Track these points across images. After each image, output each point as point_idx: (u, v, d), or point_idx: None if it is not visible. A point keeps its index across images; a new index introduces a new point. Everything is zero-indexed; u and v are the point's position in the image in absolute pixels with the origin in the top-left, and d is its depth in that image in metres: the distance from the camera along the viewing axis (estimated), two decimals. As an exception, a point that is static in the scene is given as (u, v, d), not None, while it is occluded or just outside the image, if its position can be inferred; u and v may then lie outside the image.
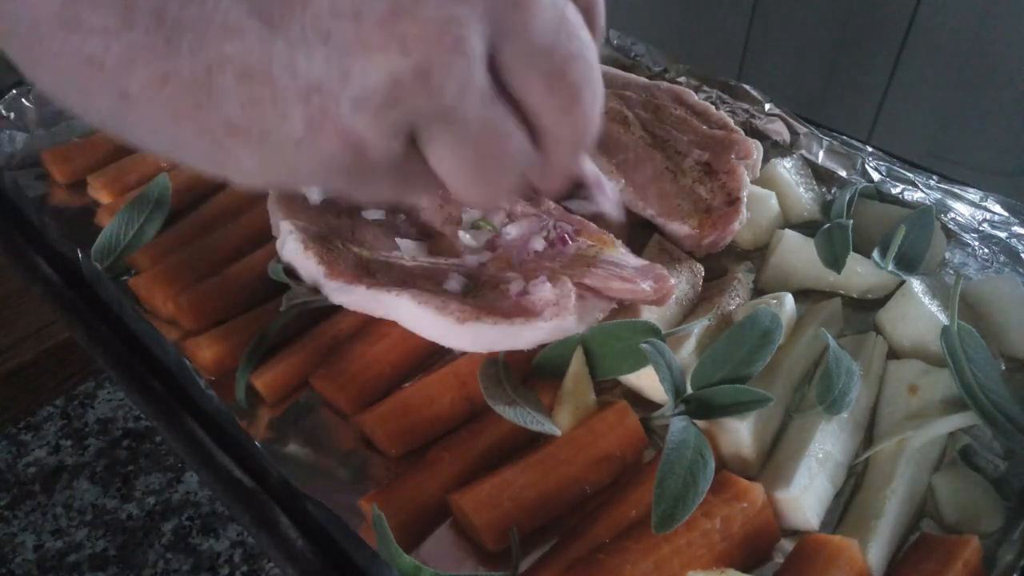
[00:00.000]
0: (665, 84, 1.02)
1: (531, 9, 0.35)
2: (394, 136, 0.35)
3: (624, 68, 1.07)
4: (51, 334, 1.13)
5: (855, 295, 0.86)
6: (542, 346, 0.71)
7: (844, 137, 1.01)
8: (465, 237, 0.78)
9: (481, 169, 0.39)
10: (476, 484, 0.64)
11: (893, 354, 0.79)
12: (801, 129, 1.03)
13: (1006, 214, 0.90)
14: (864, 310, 0.84)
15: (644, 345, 0.67)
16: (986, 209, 0.91)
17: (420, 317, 0.70)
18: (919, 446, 0.69)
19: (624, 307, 0.75)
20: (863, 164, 0.98)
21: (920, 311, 0.78)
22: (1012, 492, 0.68)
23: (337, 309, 0.76)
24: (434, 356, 0.77)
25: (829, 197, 0.97)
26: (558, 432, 0.67)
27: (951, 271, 0.89)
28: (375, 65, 0.32)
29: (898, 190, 0.96)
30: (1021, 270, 0.88)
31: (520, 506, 0.63)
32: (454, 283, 0.74)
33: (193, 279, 0.82)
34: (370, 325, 0.76)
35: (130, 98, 0.33)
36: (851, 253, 0.83)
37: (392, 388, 0.74)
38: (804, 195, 0.94)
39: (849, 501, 0.68)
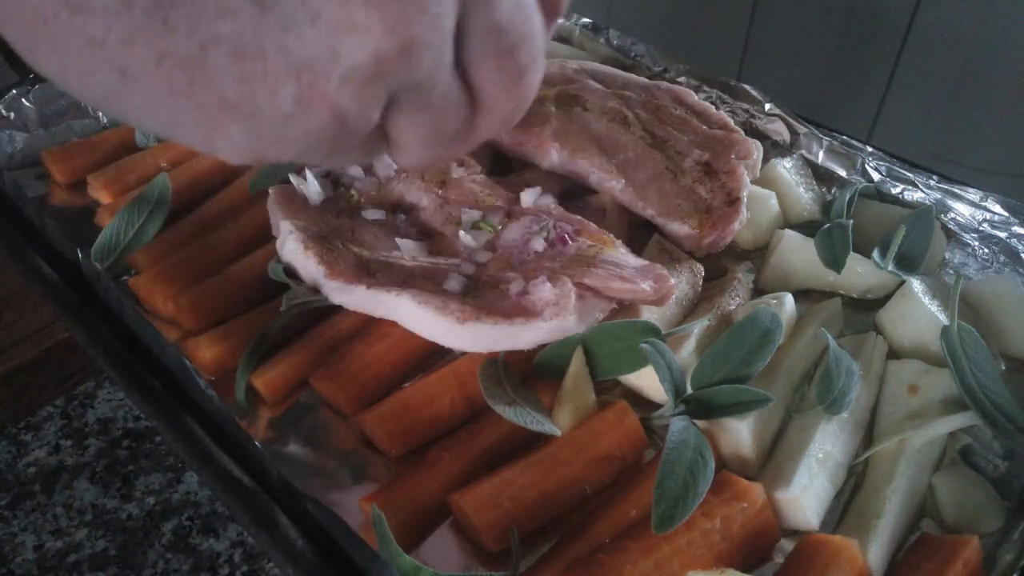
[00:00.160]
0: (665, 84, 1.02)
1: None
2: (375, 108, 0.38)
3: (624, 68, 1.07)
4: (51, 334, 1.13)
5: (855, 295, 0.86)
6: (542, 346, 0.71)
7: (844, 137, 1.01)
8: (465, 237, 0.78)
9: (431, 135, 0.42)
10: (476, 484, 0.64)
11: (893, 354, 0.79)
12: (801, 129, 1.03)
13: (1006, 214, 0.90)
14: (864, 310, 0.84)
15: (644, 345, 0.67)
16: (986, 209, 0.91)
17: (420, 317, 0.70)
18: (919, 446, 0.69)
19: (624, 307, 0.75)
20: (863, 164, 0.98)
21: (920, 311, 0.78)
22: (1012, 492, 0.68)
23: (337, 309, 0.76)
24: (434, 356, 0.77)
25: (829, 197, 0.97)
26: (558, 432, 0.67)
27: (951, 271, 0.89)
28: (361, 43, 0.35)
29: (898, 190, 0.96)
30: (1021, 270, 0.88)
31: (520, 506, 0.63)
32: (454, 283, 0.74)
33: (193, 279, 0.82)
34: (370, 325, 0.76)
35: (128, 76, 0.35)
36: (851, 253, 0.83)
37: (392, 388, 0.74)
38: (804, 195, 0.94)
39: (849, 501, 0.68)
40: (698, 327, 0.75)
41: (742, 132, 0.95)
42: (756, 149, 0.92)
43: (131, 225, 0.86)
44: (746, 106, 1.07)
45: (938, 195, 0.94)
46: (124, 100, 0.36)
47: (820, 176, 1.00)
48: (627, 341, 0.69)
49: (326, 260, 0.75)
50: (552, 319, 0.68)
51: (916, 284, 0.80)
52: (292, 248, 0.77)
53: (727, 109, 1.07)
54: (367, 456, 0.70)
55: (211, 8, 0.34)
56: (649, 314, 0.76)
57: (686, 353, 0.74)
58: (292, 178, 0.85)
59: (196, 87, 0.35)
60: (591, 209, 0.88)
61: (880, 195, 0.96)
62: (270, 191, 0.85)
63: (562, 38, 1.23)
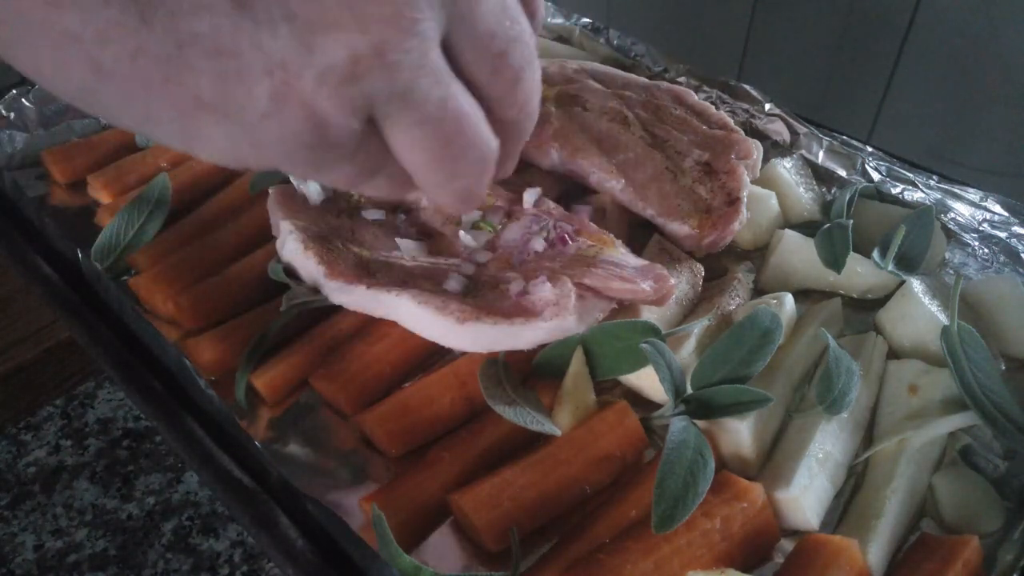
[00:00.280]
0: (665, 84, 1.02)
1: None
2: (354, 114, 0.37)
3: (624, 68, 1.07)
4: (51, 334, 1.13)
5: (855, 295, 0.86)
6: (542, 346, 0.71)
7: (844, 137, 1.01)
8: (465, 237, 0.78)
9: (444, 155, 0.41)
10: (476, 484, 0.64)
11: (893, 354, 0.79)
12: (801, 129, 1.03)
13: (1006, 214, 0.90)
14: (864, 310, 0.84)
15: (644, 345, 0.67)
16: (986, 209, 0.91)
17: (420, 317, 0.70)
18: (919, 446, 0.69)
19: (624, 307, 0.75)
20: (863, 164, 0.98)
21: (920, 311, 0.78)
22: (1012, 492, 0.68)
23: (337, 309, 0.76)
24: (434, 356, 0.77)
25: (829, 197, 0.97)
26: (558, 432, 0.67)
27: (951, 271, 0.89)
28: (336, 43, 0.35)
29: (898, 190, 0.96)
30: (1021, 270, 0.88)
31: (520, 506, 0.63)
32: (454, 283, 0.74)
33: (193, 279, 0.82)
34: (370, 325, 0.76)
35: (103, 72, 0.35)
36: (851, 253, 0.83)
37: (392, 388, 0.74)
38: (804, 195, 0.94)
39: (849, 501, 0.68)
40: (698, 327, 0.75)
41: (742, 132, 0.95)
42: (756, 149, 0.92)
43: (131, 225, 0.86)
44: (746, 106, 1.07)
45: (938, 195, 0.94)
46: (99, 96, 0.36)
47: (820, 176, 1.00)
48: (627, 341, 0.69)
49: (326, 260, 0.75)
50: (552, 319, 0.68)
51: (916, 284, 0.80)
52: (292, 248, 0.77)
53: (727, 109, 1.07)
54: (367, 456, 0.70)
55: (188, 6, 0.34)
56: (649, 314, 0.76)
57: (686, 353, 0.74)
58: (292, 178, 0.85)
59: (171, 84, 0.35)
60: (591, 209, 0.88)
61: (880, 195, 0.96)
62: (270, 191, 0.85)
63: (562, 38, 1.23)
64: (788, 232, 0.87)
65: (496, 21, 0.39)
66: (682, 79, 1.11)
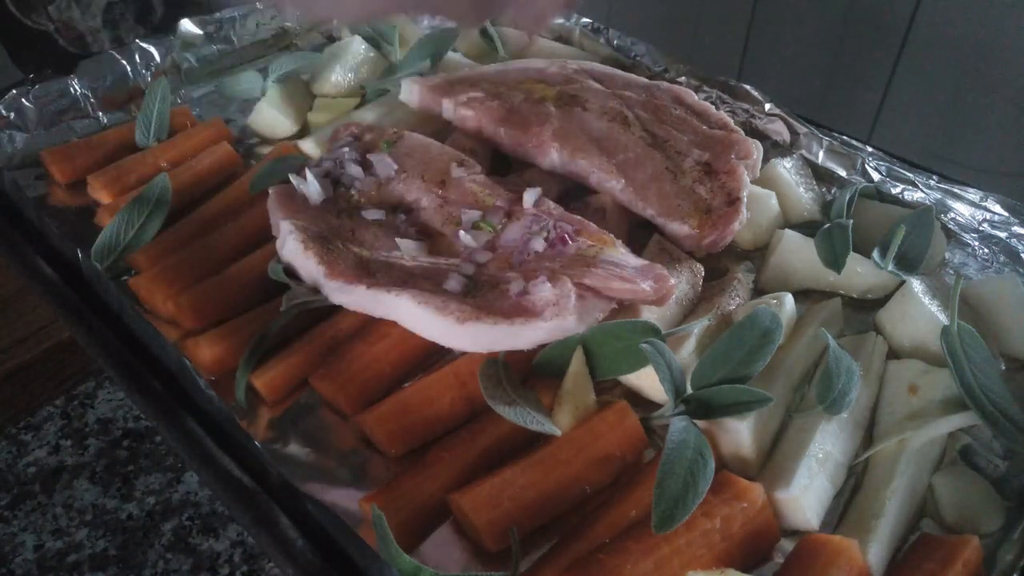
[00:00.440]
0: (665, 84, 1.02)
1: None
2: None
3: (624, 68, 1.07)
4: (51, 334, 1.13)
5: (855, 295, 0.86)
6: (542, 346, 0.71)
7: (844, 137, 1.01)
8: (465, 237, 0.78)
9: None
10: (476, 484, 0.64)
11: (893, 354, 0.79)
12: (801, 129, 1.03)
13: (1006, 214, 0.90)
14: (864, 310, 0.84)
15: (644, 345, 0.67)
16: (986, 209, 0.91)
17: (420, 317, 0.70)
18: (919, 446, 0.69)
19: (624, 307, 0.75)
20: (863, 164, 0.98)
21: (920, 311, 0.78)
22: (1012, 492, 0.68)
23: (337, 309, 0.76)
24: (434, 356, 0.77)
25: (829, 197, 0.97)
26: (558, 432, 0.67)
27: (951, 271, 0.89)
28: None
29: (898, 190, 0.96)
30: (1021, 270, 0.88)
31: (520, 506, 0.63)
32: (454, 283, 0.74)
33: (193, 279, 0.82)
34: (370, 325, 0.76)
35: None
36: (851, 253, 0.83)
37: (392, 388, 0.74)
38: (804, 195, 0.94)
39: (849, 501, 0.68)
40: (698, 327, 0.75)
41: (742, 132, 0.95)
42: (756, 149, 0.92)
43: (131, 225, 0.86)
44: (746, 106, 1.07)
45: (938, 195, 0.94)
46: None
47: (820, 176, 1.00)
48: (627, 341, 0.69)
49: (326, 260, 0.75)
50: (552, 319, 0.68)
51: (916, 284, 0.80)
52: (292, 248, 0.77)
53: (727, 109, 1.07)
54: (367, 456, 0.70)
55: None
56: (649, 314, 0.76)
57: (686, 353, 0.74)
58: (292, 178, 0.85)
59: None
60: (591, 209, 0.88)
61: (880, 195, 0.96)
62: (270, 191, 0.85)
63: (562, 38, 1.23)
64: (788, 232, 0.87)
65: None
66: (682, 79, 1.11)
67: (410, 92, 0.99)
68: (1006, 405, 0.69)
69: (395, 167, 0.86)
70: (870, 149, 0.98)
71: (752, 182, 0.90)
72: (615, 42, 1.18)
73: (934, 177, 0.94)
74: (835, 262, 0.83)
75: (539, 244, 0.76)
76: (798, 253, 0.86)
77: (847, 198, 0.89)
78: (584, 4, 1.34)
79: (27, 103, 1.02)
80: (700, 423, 0.67)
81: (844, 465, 0.69)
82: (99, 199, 0.95)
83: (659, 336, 0.68)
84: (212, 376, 0.76)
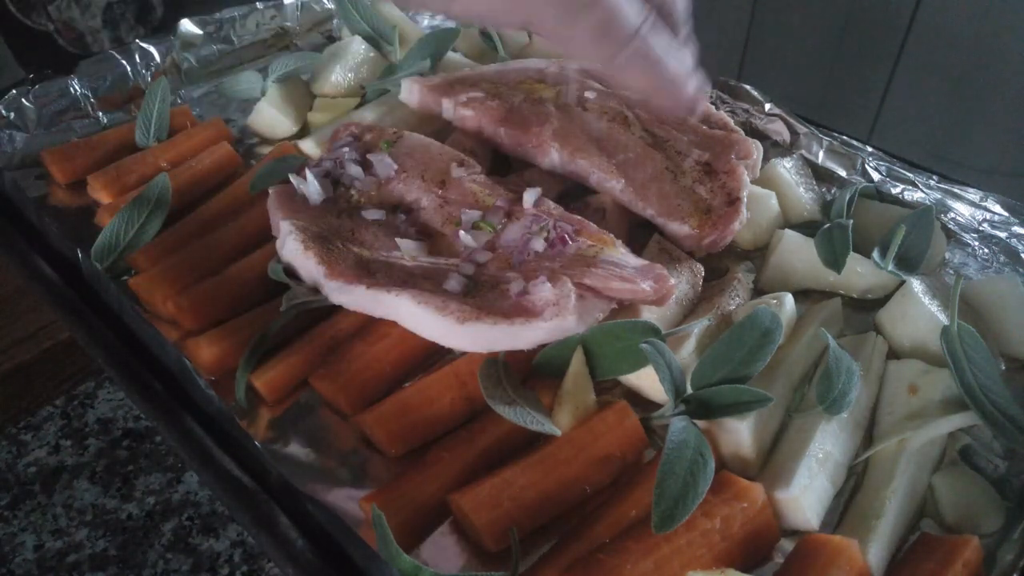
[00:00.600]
0: (665, 84, 1.02)
1: None
2: None
3: (624, 68, 1.07)
4: (51, 334, 1.13)
5: (855, 295, 0.86)
6: (542, 346, 0.71)
7: (844, 137, 1.01)
8: (465, 237, 0.78)
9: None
10: (476, 484, 0.64)
11: (893, 354, 0.79)
12: (801, 129, 1.03)
13: (1006, 214, 0.90)
14: (864, 310, 0.84)
15: (644, 345, 0.67)
16: (986, 209, 0.91)
17: (420, 317, 0.70)
18: (919, 446, 0.69)
19: (624, 307, 0.75)
20: (863, 164, 0.98)
21: (920, 311, 0.78)
22: (1012, 492, 0.68)
23: (337, 309, 0.76)
24: (434, 356, 0.77)
25: (829, 197, 0.97)
26: (558, 432, 0.67)
27: (951, 271, 0.89)
28: None
29: (898, 190, 0.96)
30: (1021, 270, 0.88)
31: (520, 506, 0.63)
32: (454, 283, 0.74)
33: (193, 279, 0.82)
34: (370, 325, 0.76)
35: None
36: (851, 253, 0.83)
37: (392, 388, 0.74)
38: (804, 195, 0.94)
39: (849, 501, 0.68)
40: (698, 327, 0.75)
41: (742, 132, 0.95)
42: (756, 149, 0.92)
43: (131, 225, 0.85)
44: (746, 106, 1.07)
45: (938, 195, 0.94)
46: None
47: (820, 176, 1.00)
48: (627, 341, 0.69)
49: (326, 260, 0.75)
50: (552, 319, 0.68)
51: (916, 284, 0.80)
52: (292, 248, 0.77)
53: (727, 109, 1.07)
54: (367, 456, 0.70)
55: None
56: (649, 314, 0.75)
57: (686, 353, 0.74)
58: (292, 178, 0.85)
59: None
60: (591, 209, 0.88)
61: (880, 195, 0.96)
62: (270, 191, 0.85)
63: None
64: (788, 232, 0.87)
65: None
66: (682, 79, 1.11)
67: (410, 92, 0.99)
68: (1006, 405, 0.69)
69: (395, 167, 0.86)
70: (870, 149, 0.98)
71: (752, 182, 0.90)
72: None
73: (934, 177, 0.94)
74: (835, 262, 0.83)
75: (539, 244, 0.76)
76: (798, 253, 0.86)
77: (847, 198, 0.89)
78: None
79: (27, 103, 1.02)
80: (700, 423, 0.67)
81: (844, 465, 0.69)
82: (99, 199, 0.95)
83: (659, 336, 0.68)
84: (212, 376, 0.75)
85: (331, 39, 1.26)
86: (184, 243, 0.86)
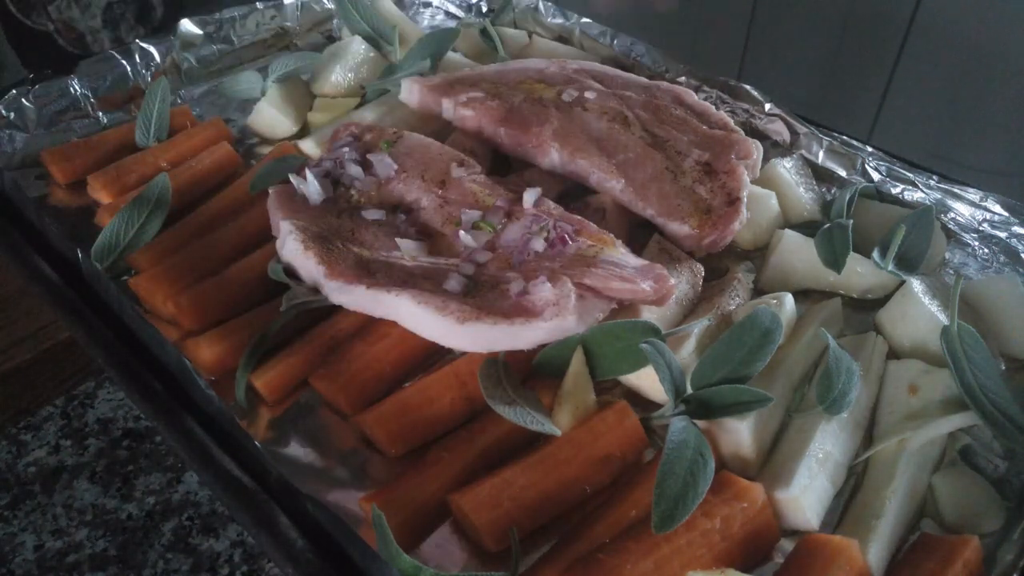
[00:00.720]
0: (665, 84, 1.02)
1: None
2: None
3: (624, 68, 1.07)
4: (51, 334, 1.13)
5: (855, 295, 0.86)
6: (542, 346, 0.71)
7: (844, 137, 1.01)
8: (465, 237, 0.78)
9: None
10: (476, 484, 0.64)
11: (893, 354, 0.79)
12: (801, 129, 1.03)
13: (1006, 214, 0.90)
14: (864, 310, 0.84)
15: (644, 345, 0.67)
16: (986, 209, 0.91)
17: (420, 317, 0.70)
18: (919, 446, 0.69)
19: (624, 307, 0.75)
20: (863, 164, 0.98)
21: (920, 311, 0.78)
22: (1012, 492, 0.68)
23: (337, 309, 0.76)
24: (434, 356, 0.77)
25: (829, 197, 0.97)
26: (558, 432, 0.67)
27: (951, 271, 0.89)
28: None
29: (898, 190, 0.96)
30: (1021, 270, 0.88)
31: (520, 506, 0.63)
32: (454, 283, 0.74)
33: (193, 279, 0.82)
34: (370, 325, 0.76)
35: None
36: (851, 253, 0.83)
37: (392, 388, 0.74)
38: (804, 195, 0.94)
39: (849, 501, 0.68)
40: (698, 327, 0.75)
41: (742, 132, 0.95)
42: (756, 149, 0.92)
43: (131, 225, 0.85)
44: (746, 106, 1.07)
45: (938, 195, 0.94)
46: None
47: (820, 176, 1.00)
48: (627, 341, 0.69)
49: (326, 260, 0.75)
50: (552, 319, 0.68)
51: (916, 284, 0.80)
52: (292, 248, 0.77)
53: (727, 109, 1.07)
54: (367, 456, 0.70)
55: None
56: (649, 314, 0.75)
57: (686, 353, 0.74)
58: (292, 178, 0.85)
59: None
60: (591, 209, 0.88)
61: (880, 195, 0.96)
62: (270, 191, 0.85)
63: (562, 38, 1.23)
64: (788, 232, 0.87)
65: None
66: (682, 79, 1.11)
67: (410, 92, 0.99)
68: (1006, 405, 0.69)
69: (395, 167, 0.86)
70: (870, 149, 0.98)
71: (752, 182, 0.90)
72: (615, 42, 1.18)
73: (934, 177, 0.94)
74: (835, 262, 0.83)
75: (539, 244, 0.76)
76: (798, 253, 0.86)
77: (847, 198, 0.89)
78: (585, 4, 1.34)
79: (27, 103, 1.02)
80: (700, 423, 0.67)
81: (844, 465, 0.69)
82: (99, 199, 0.95)
83: (659, 336, 0.68)
84: (212, 376, 0.76)
85: (331, 39, 1.26)
86: (184, 243, 0.86)
